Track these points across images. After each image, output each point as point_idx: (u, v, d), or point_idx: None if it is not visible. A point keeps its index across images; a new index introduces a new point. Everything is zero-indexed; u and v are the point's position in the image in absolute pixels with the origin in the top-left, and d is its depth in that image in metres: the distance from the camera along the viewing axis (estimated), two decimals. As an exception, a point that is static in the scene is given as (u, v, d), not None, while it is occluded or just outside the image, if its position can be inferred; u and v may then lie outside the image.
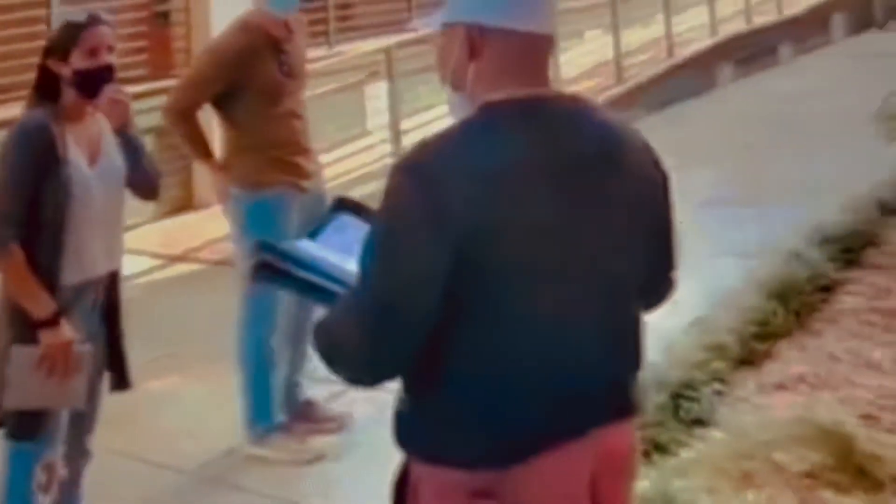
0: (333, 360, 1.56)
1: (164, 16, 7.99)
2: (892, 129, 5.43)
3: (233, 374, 3.69)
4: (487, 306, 1.48)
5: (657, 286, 1.68)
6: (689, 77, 9.49)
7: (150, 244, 6.63)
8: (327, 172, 6.49)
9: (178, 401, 4.06)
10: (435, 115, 7.82)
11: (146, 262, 6.36)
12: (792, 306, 4.22)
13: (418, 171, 1.49)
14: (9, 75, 6.64)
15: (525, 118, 1.52)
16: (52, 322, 2.54)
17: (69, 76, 2.58)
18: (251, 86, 3.49)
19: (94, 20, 2.64)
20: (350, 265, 1.61)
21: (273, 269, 1.69)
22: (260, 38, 3.51)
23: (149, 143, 7.13)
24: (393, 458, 1.69)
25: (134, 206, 6.90)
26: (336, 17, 8.75)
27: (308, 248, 1.73)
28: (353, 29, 8.89)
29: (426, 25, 1.68)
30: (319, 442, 3.67)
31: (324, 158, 6.58)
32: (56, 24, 2.75)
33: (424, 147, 1.53)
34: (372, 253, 1.50)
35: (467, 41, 1.54)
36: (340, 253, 1.70)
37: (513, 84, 1.53)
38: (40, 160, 2.52)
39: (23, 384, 2.55)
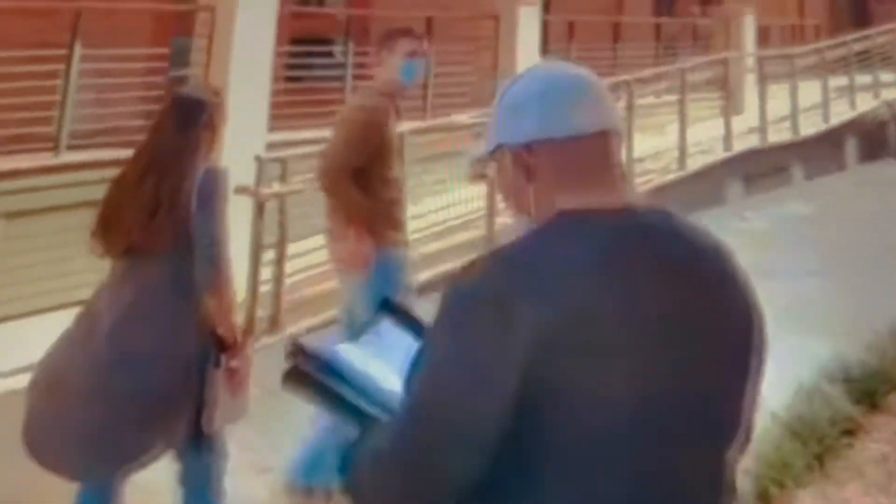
0: (365, 497, 1.35)
1: (181, 80, 7.89)
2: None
3: (250, 441, 3.64)
4: (551, 446, 1.26)
5: (745, 429, 1.41)
6: (700, 189, 9.41)
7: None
8: (326, 254, 6.36)
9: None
10: (446, 202, 7.72)
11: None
12: (813, 450, 3.96)
13: (485, 281, 1.31)
14: (23, 126, 6.51)
15: (602, 227, 1.35)
16: (244, 343, 2.94)
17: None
18: (385, 149, 3.74)
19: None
20: (392, 383, 1.41)
21: (305, 377, 1.46)
22: (390, 105, 3.84)
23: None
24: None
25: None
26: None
27: (348, 356, 1.51)
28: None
29: (476, 157, 1.55)
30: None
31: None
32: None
33: (489, 256, 1.37)
34: (424, 374, 1.30)
35: (518, 163, 1.42)
36: (381, 364, 1.49)
37: (580, 192, 1.38)
38: None
39: (224, 403, 2.89)
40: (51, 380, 2.93)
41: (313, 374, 1.45)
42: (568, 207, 1.37)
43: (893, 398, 4.61)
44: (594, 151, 1.41)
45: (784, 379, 4.56)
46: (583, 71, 1.48)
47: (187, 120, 2.99)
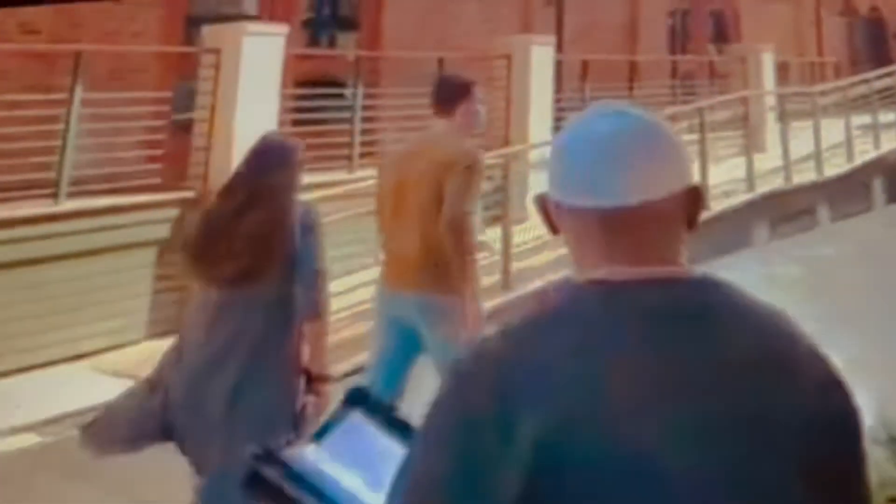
0: None
1: (185, 125, 7.70)
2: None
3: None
4: None
5: None
6: (724, 233, 9.12)
7: (136, 367, 6.10)
8: (333, 304, 6.11)
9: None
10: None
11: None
12: (860, 522, 3.58)
13: (481, 383, 1.11)
14: (23, 172, 6.33)
15: (631, 305, 1.13)
16: (328, 378, 3.11)
17: None
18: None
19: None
20: (366, 496, 1.21)
21: (269, 486, 1.26)
22: None
23: (151, 256, 6.86)
24: None
25: (123, 324, 6.40)
26: (361, 141, 8.47)
27: (319, 463, 1.28)
28: (376, 155, 8.61)
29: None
30: None
31: (332, 288, 6.19)
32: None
33: (492, 340, 1.16)
34: (410, 483, 1.10)
35: (544, 214, 1.25)
36: (351, 471, 1.27)
37: (598, 262, 1.18)
38: None
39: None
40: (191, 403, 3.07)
41: (278, 483, 1.25)
42: (595, 277, 1.17)
43: (944, 463, 4.22)
44: (632, 225, 1.17)
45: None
46: (642, 125, 1.21)
47: (283, 159, 3.23)
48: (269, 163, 3.22)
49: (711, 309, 1.14)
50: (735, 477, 1.05)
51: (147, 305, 6.58)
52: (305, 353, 3.11)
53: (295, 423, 3.00)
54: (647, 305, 1.13)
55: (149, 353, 6.32)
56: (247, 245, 3.05)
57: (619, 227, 1.17)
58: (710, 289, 1.16)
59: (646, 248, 1.17)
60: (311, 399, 3.07)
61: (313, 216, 3.19)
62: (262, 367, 3.03)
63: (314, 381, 3.09)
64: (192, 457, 3.08)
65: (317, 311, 3.09)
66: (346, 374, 5.25)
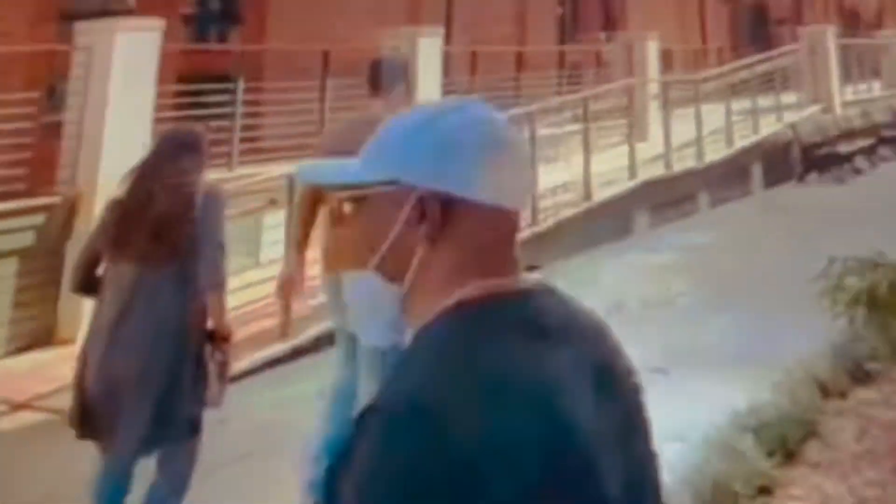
0: None
1: (54, 128, 7.37)
2: (836, 301, 4.90)
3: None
4: None
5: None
6: (606, 221, 9.21)
7: (-7, 386, 5.79)
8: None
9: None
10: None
11: (-19, 407, 5.53)
12: (727, 515, 3.64)
13: (418, 419, 1.00)
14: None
15: (529, 321, 1.11)
16: (231, 338, 3.49)
17: None
18: None
19: None
20: None
21: None
22: None
23: (12, 266, 6.51)
24: None
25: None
26: (241, 138, 8.27)
27: None
28: (258, 151, 8.42)
29: (340, 178, 1.22)
30: None
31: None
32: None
33: (408, 383, 1.05)
34: None
35: (419, 215, 1.12)
36: None
37: (479, 274, 1.12)
38: None
39: (215, 387, 3.43)
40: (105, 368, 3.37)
41: None
42: (467, 296, 1.11)
43: (810, 447, 4.27)
44: (510, 231, 1.17)
45: (689, 429, 4.23)
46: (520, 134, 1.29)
47: (191, 147, 3.51)
48: (178, 149, 3.50)
49: (557, 318, 1.15)
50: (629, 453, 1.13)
51: (6, 319, 6.22)
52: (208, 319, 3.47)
53: (201, 382, 3.42)
54: (523, 318, 1.11)
55: (7, 371, 6.01)
56: (159, 227, 3.35)
57: (504, 232, 1.15)
58: (553, 298, 1.18)
59: (510, 257, 1.16)
60: (216, 357, 3.45)
61: (217, 199, 3.49)
62: (172, 336, 3.35)
63: (217, 340, 3.45)
64: (107, 433, 3.34)
65: (218, 282, 3.40)
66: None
